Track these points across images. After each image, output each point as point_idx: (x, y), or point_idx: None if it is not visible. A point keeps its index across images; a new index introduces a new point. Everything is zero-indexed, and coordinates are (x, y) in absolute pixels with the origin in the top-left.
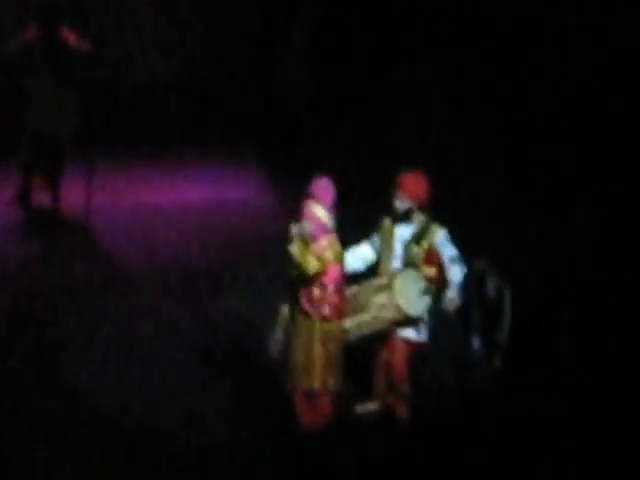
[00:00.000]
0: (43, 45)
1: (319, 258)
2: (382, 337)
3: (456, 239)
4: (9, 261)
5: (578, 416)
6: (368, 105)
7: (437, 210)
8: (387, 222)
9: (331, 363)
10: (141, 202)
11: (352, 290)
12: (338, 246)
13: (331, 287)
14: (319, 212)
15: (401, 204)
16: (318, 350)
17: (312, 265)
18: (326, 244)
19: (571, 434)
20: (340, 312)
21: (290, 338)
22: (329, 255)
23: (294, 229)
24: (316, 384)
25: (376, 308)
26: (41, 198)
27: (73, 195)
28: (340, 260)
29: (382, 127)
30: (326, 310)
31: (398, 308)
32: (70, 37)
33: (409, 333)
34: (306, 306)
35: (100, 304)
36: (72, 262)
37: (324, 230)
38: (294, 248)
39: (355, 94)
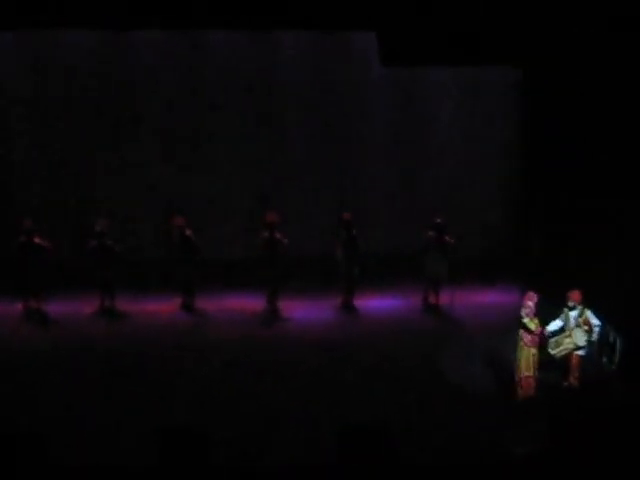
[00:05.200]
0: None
1: (533, 323)
2: (569, 355)
3: (597, 315)
4: None
5: None
6: None
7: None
8: (566, 310)
9: (537, 363)
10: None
11: (555, 337)
12: (537, 320)
13: (538, 335)
14: (531, 304)
15: (571, 303)
16: (532, 358)
17: (534, 327)
18: (534, 319)
19: None
20: (539, 344)
21: (517, 354)
22: (537, 324)
23: (522, 312)
24: (532, 373)
25: (566, 344)
26: None
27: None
28: (541, 325)
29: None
30: (534, 343)
31: (575, 343)
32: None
33: (580, 352)
34: (529, 342)
35: None
36: None
37: (533, 314)
38: (527, 322)
39: None
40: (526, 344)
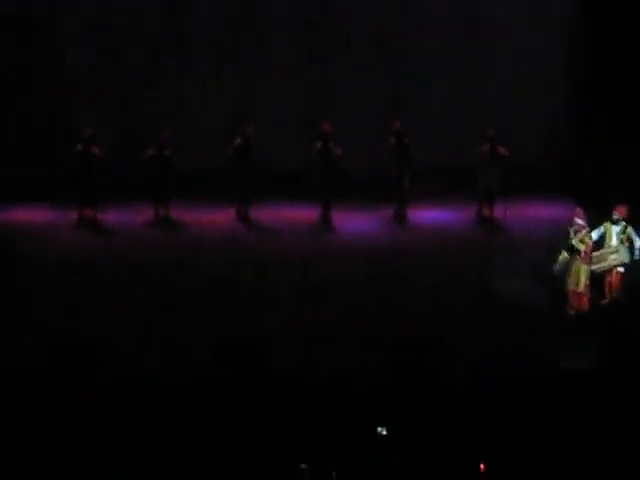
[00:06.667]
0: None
1: (583, 241)
2: (609, 271)
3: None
4: None
5: None
6: None
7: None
8: (607, 224)
9: (587, 279)
10: None
11: (598, 252)
12: (589, 234)
13: (589, 252)
14: (580, 220)
15: (615, 217)
16: (582, 273)
17: (582, 247)
18: (585, 234)
19: None
20: (590, 260)
21: (568, 268)
22: (588, 239)
23: (572, 228)
24: (581, 288)
25: (610, 260)
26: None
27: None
28: (590, 240)
29: None
30: (587, 259)
31: (621, 260)
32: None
33: (620, 269)
34: (583, 257)
35: None
36: None
37: (583, 227)
38: (575, 241)
39: None
40: (581, 259)
